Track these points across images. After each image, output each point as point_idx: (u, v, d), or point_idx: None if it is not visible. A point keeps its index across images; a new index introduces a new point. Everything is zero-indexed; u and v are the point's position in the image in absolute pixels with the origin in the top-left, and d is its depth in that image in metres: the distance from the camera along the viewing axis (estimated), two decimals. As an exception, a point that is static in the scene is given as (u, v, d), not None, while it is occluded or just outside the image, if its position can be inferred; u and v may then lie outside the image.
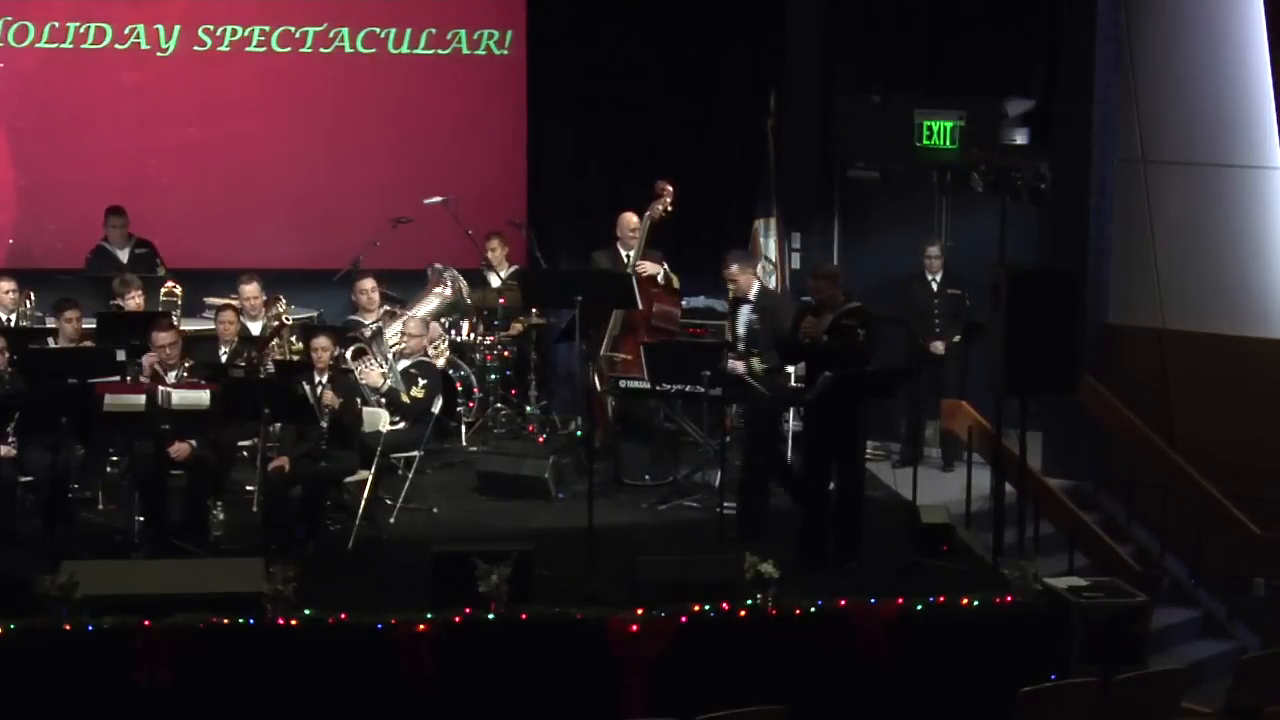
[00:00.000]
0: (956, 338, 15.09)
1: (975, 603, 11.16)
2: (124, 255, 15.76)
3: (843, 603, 11.01)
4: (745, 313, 13.37)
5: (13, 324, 14.34)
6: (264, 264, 15.49)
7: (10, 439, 12.31)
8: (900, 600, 11.06)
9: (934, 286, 15.22)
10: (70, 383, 12.32)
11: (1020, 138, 15.20)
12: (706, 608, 10.82)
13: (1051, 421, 14.97)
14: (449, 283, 15.58)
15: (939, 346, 15.08)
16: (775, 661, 10.80)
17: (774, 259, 16.37)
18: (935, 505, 12.90)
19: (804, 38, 16.64)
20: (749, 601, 10.88)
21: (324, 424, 12.54)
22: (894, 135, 15.62)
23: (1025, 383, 12.33)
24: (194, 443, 12.35)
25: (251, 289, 14.82)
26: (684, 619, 10.75)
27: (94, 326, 13.97)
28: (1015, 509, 12.75)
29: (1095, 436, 15.09)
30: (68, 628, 10.21)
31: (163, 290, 14.91)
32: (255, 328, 14.60)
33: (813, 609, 10.94)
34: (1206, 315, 14.73)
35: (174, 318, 14.16)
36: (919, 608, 11.04)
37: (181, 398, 12.21)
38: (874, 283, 14.91)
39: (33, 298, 14.78)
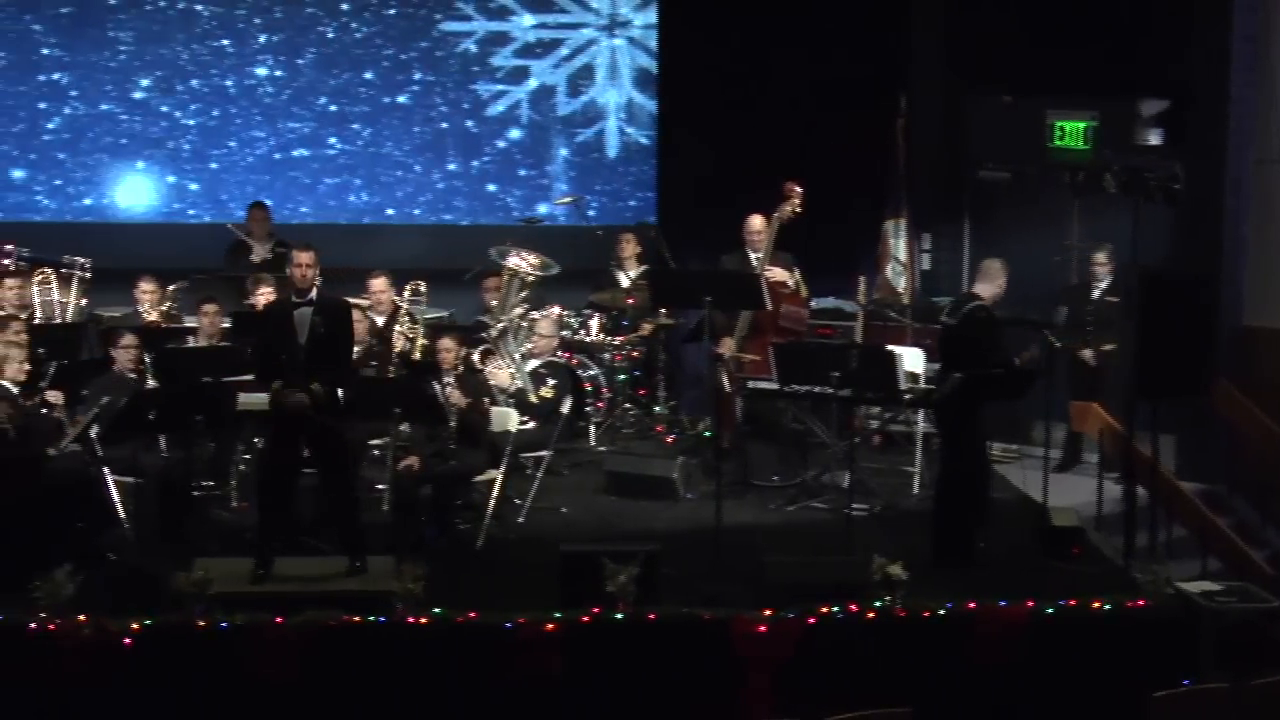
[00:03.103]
0: (1108, 346, 14.74)
1: (1106, 606, 11.05)
2: (263, 252, 15.92)
3: (972, 605, 10.93)
4: None
5: (148, 323, 14.52)
6: (395, 263, 15.59)
7: (147, 438, 12.48)
8: (1030, 603, 10.97)
9: (1095, 293, 14.93)
10: (204, 381, 12.45)
11: (1154, 138, 15.05)
12: (834, 609, 10.78)
13: (1184, 424, 14.80)
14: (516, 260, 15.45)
15: (1088, 355, 14.85)
16: (902, 663, 10.74)
17: (904, 260, 16.32)
18: (1065, 508, 12.80)
19: (931, 37, 16.56)
20: (877, 603, 10.83)
21: (452, 424, 12.61)
22: (1025, 136, 15.51)
23: (1158, 385, 12.21)
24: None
25: (379, 283, 14.89)
26: (811, 620, 10.71)
27: (229, 325, 14.12)
28: (1147, 512, 12.63)
29: (1229, 439, 14.90)
30: (201, 624, 10.30)
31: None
32: (383, 323, 14.69)
33: (941, 611, 10.86)
34: (1343, 317, 14.54)
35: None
36: (1049, 610, 10.94)
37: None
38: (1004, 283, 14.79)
39: (170, 292, 14.96)
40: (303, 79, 18.20)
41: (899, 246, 16.37)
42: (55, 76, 17.96)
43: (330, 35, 18.21)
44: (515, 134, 18.47)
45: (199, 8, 18.05)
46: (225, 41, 18.13)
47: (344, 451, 11.68)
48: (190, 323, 14.46)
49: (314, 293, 11.47)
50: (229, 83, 18.14)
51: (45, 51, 17.92)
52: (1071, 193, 15.46)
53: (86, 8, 17.92)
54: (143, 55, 18.00)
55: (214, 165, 18.20)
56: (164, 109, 18.09)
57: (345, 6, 18.18)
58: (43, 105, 17.97)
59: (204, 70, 18.09)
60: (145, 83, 18.03)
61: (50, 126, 18.00)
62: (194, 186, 18.22)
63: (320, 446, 11.44)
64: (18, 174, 18.00)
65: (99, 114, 18.02)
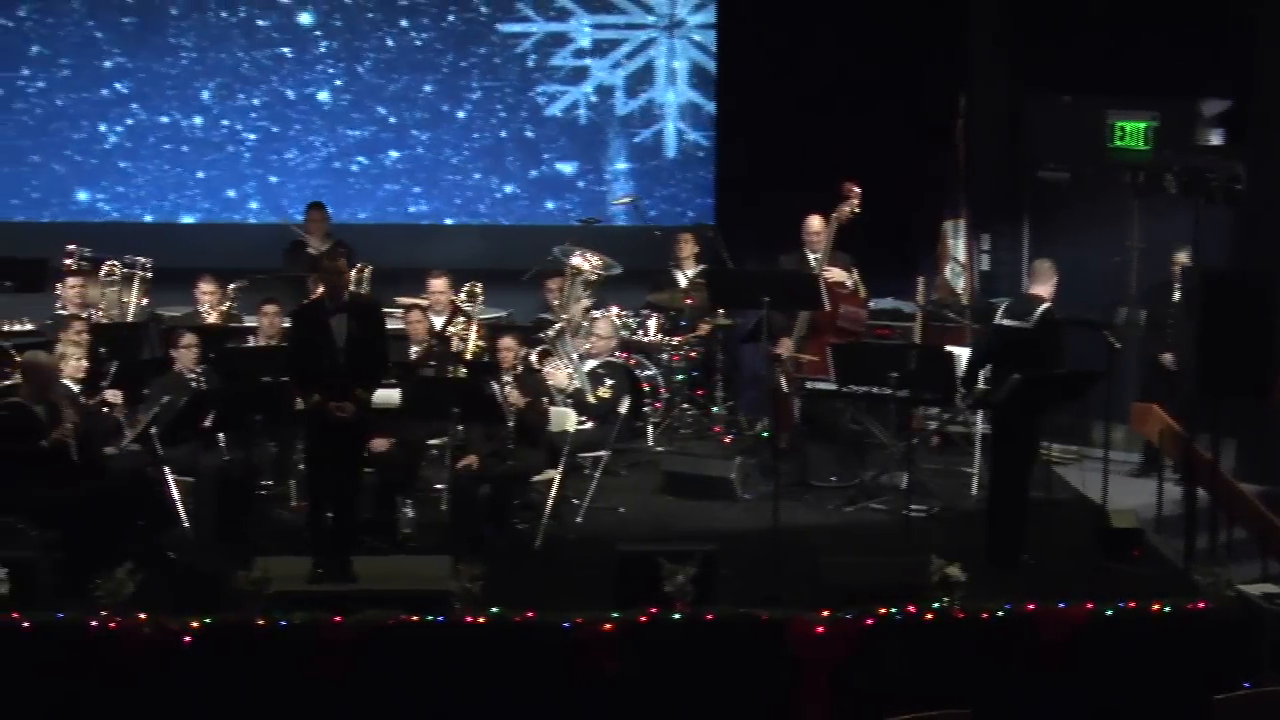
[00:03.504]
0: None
1: (1166, 608, 10.98)
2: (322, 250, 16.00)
3: (1031, 606, 10.87)
4: None
5: (208, 323, 14.60)
6: (453, 264, 15.62)
7: (209, 437, 12.55)
8: (1090, 605, 10.91)
9: (1175, 295, 14.71)
10: (264, 381, 12.49)
11: (1215, 138, 14.97)
12: (892, 610, 10.74)
13: (1245, 425, 14.70)
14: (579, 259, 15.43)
15: (1168, 359, 14.66)
16: (960, 665, 10.71)
17: (963, 261, 16.28)
18: (1125, 509, 12.74)
19: (991, 38, 16.52)
20: (935, 604, 10.79)
21: (510, 424, 12.64)
22: (1085, 136, 15.46)
23: (1219, 386, 12.15)
24: (392, 439, 12.52)
25: (439, 283, 14.95)
26: (869, 621, 10.68)
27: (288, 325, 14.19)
28: (1207, 514, 12.56)
29: (1291, 441, 14.80)
30: (260, 623, 10.34)
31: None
32: (441, 324, 14.73)
33: (1000, 612, 10.82)
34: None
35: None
36: (1109, 612, 10.87)
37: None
38: (1063, 284, 14.71)
39: (229, 291, 15.04)
40: (361, 85, 18.29)
41: (958, 247, 16.34)
42: (117, 85, 18.10)
43: (390, 42, 18.27)
44: (573, 135, 18.50)
45: (260, 22, 18.15)
46: (285, 50, 18.25)
47: (360, 451, 11.71)
48: (250, 322, 14.53)
49: (345, 296, 11.48)
50: (289, 90, 18.24)
51: (108, 64, 18.09)
52: (1132, 193, 15.43)
53: (149, 16, 18.03)
54: (204, 61, 18.15)
55: (273, 172, 18.30)
56: (224, 115, 18.23)
57: (404, 15, 18.24)
58: (106, 111, 18.09)
59: (264, 76, 18.21)
60: (206, 91, 18.19)
61: (118, 129, 18.14)
62: (254, 201, 18.32)
63: (341, 444, 11.44)
64: (81, 176, 18.13)
65: (160, 120, 18.14)
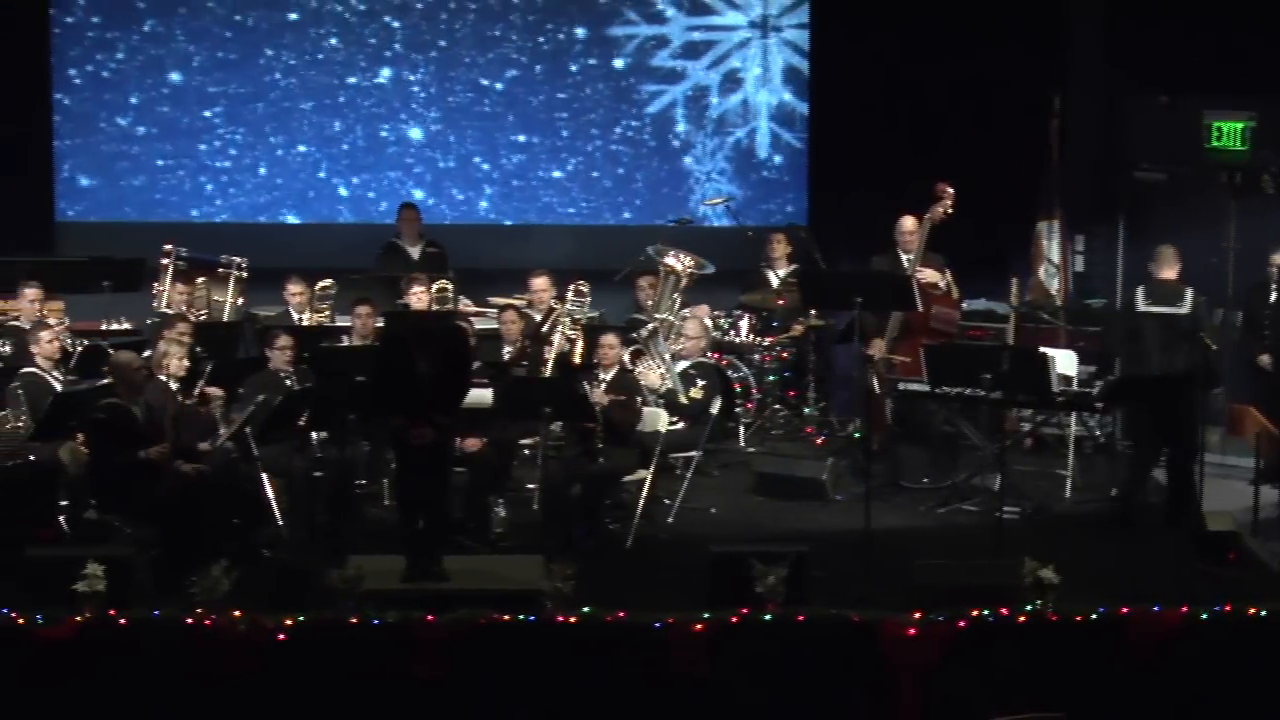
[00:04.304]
0: None
1: (1262, 613, 10.89)
2: (415, 253, 16.06)
3: (1125, 610, 10.80)
4: None
5: (303, 323, 14.70)
6: (544, 264, 15.64)
7: (303, 436, 12.63)
8: (1184, 608, 10.83)
9: (1272, 296, 14.58)
10: (358, 380, 12.56)
11: (1315, 139, 14.85)
12: (984, 612, 10.69)
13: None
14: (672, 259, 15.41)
15: (1265, 360, 14.46)
16: (1054, 668, 10.65)
17: (1057, 262, 16.20)
18: (1221, 512, 12.64)
19: (1087, 38, 16.43)
20: (1028, 607, 10.74)
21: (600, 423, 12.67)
22: (1182, 136, 15.35)
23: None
24: (484, 439, 12.57)
25: (541, 282, 14.98)
26: (961, 624, 10.63)
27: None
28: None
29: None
30: (353, 621, 10.40)
31: (435, 287, 15.16)
32: (543, 323, 14.74)
33: (1094, 615, 10.75)
34: None
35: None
36: (1204, 616, 10.80)
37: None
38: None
39: (317, 291, 15.13)
40: (458, 86, 18.35)
41: (1052, 248, 16.25)
42: (218, 92, 18.32)
43: (487, 42, 18.35)
44: (667, 136, 18.51)
45: (352, 19, 18.28)
46: (387, 53, 18.34)
47: (448, 458, 11.73)
48: (343, 322, 14.61)
49: (429, 322, 11.51)
50: (383, 89, 18.33)
51: (214, 76, 18.24)
52: (1229, 194, 15.29)
53: (250, 32, 18.22)
54: (300, 60, 18.25)
55: (367, 172, 18.42)
56: (320, 116, 18.33)
57: (503, 14, 18.35)
58: (206, 115, 18.26)
59: (360, 75, 18.30)
60: (303, 93, 18.29)
61: (221, 133, 18.31)
62: (343, 192, 18.45)
63: (428, 453, 11.46)
64: (181, 178, 18.32)
65: (258, 123, 18.29)
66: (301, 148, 18.37)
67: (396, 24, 18.33)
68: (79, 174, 18.22)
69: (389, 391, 11.46)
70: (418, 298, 14.59)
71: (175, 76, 18.18)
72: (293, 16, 18.24)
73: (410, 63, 18.37)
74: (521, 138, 18.47)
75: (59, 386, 12.90)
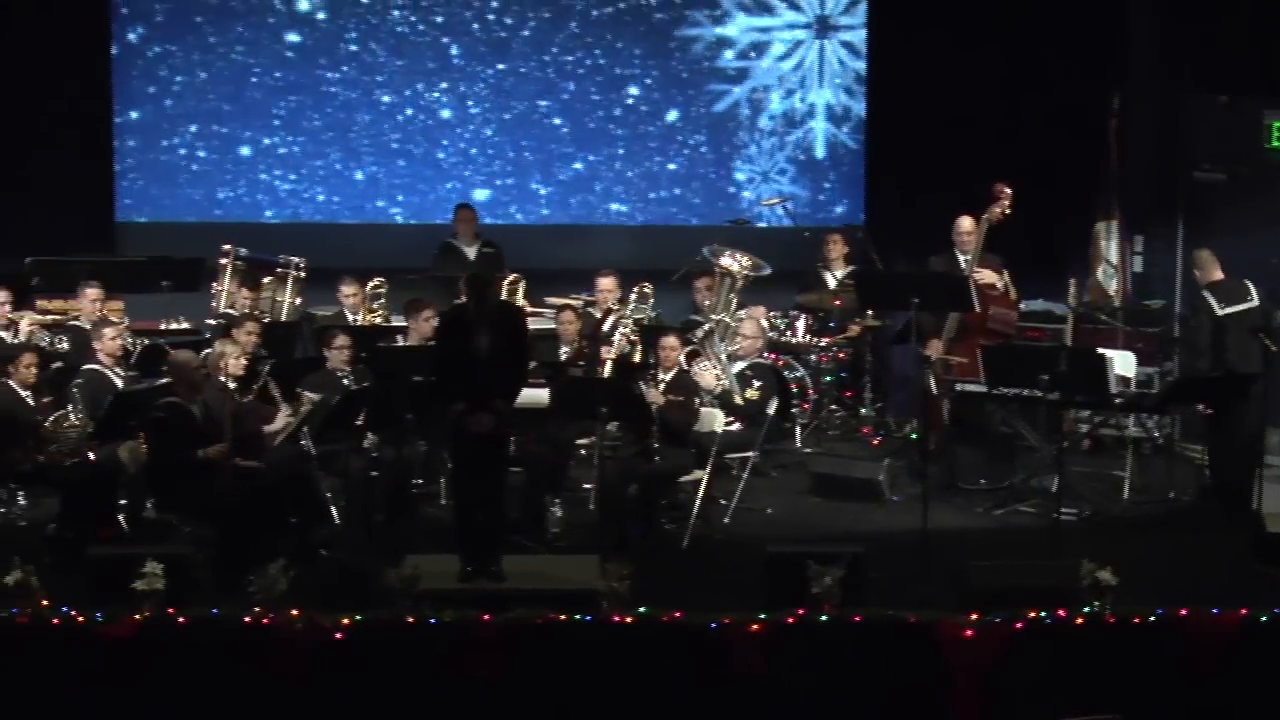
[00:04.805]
0: None
1: (1323, 617, 10.84)
2: (471, 253, 16.09)
3: (1183, 612, 10.76)
4: None
5: (358, 323, 14.75)
6: (602, 264, 15.66)
7: (360, 436, 12.68)
8: (1244, 610, 10.78)
9: None
10: (415, 380, 12.60)
11: (1376, 138, 14.76)
12: (1041, 614, 10.66)
13: None
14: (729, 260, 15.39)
15: None
16: (1111, 670, 10.61)
17: (1116, 262, 16.13)
18: (1280, 514, 12.59)
19: (1146, 37, 16.36)
20: (1085, 608, 10.70)
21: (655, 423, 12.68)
22: (1242, 136, 15.28)
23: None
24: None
25: (608, 282, 15.00)
26: (1018, 625, 10.60)
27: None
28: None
29: None
30: (410, 621, 10.43)
31: (508, 279, 15.13)
32: (606, 322, 14.73)
33: (1152, 617, 10.71)
34: None
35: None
36: (1263, 619, 10.74)
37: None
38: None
39: (369, 290, 15.18)
40: (518, 88, 18.40)
41: (1111, 248, 16.19)
42: (277, 96, 18.42)
43: (546, 46, 18.40)
44: (724, 135, 18.52)
45: (417, 23, 18.35)
46: (454, 50, 18.39)
47: (504, 455, 11.72)
48: (398, 322, 14.65)
49: (491, 307, 11.50)
50: (442, 93, 18.39)
51: (274, 80, 18.35)
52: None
53: (311, 36, 18.32)
54: (358, 64, 18.34)
55: (425, 171, 18.48)
56: (377, 119, 18.40)
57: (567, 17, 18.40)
58: (264, 119, 18.37)
59: (419, 79, 18.37)
60: (361, 96, 18.39)
61: (281, 136, 18.40)
62: (400, 196, 18.52)
63: (485, 449, 11.46)
64: (238, 177, 18.43)
65: (315, 128, 18.37)
66: (359, 147, 18.42)
67: (457, 29, 18.37)
68: (138, 175, 18.31)
69: (449, 376, 11.46)
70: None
71: (234, 86, 18.26)
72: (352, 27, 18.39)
73: (469, 66, 18.40)
74: (577, 138, 18.48)
75: (120, 384, 13.00)
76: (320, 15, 18.29)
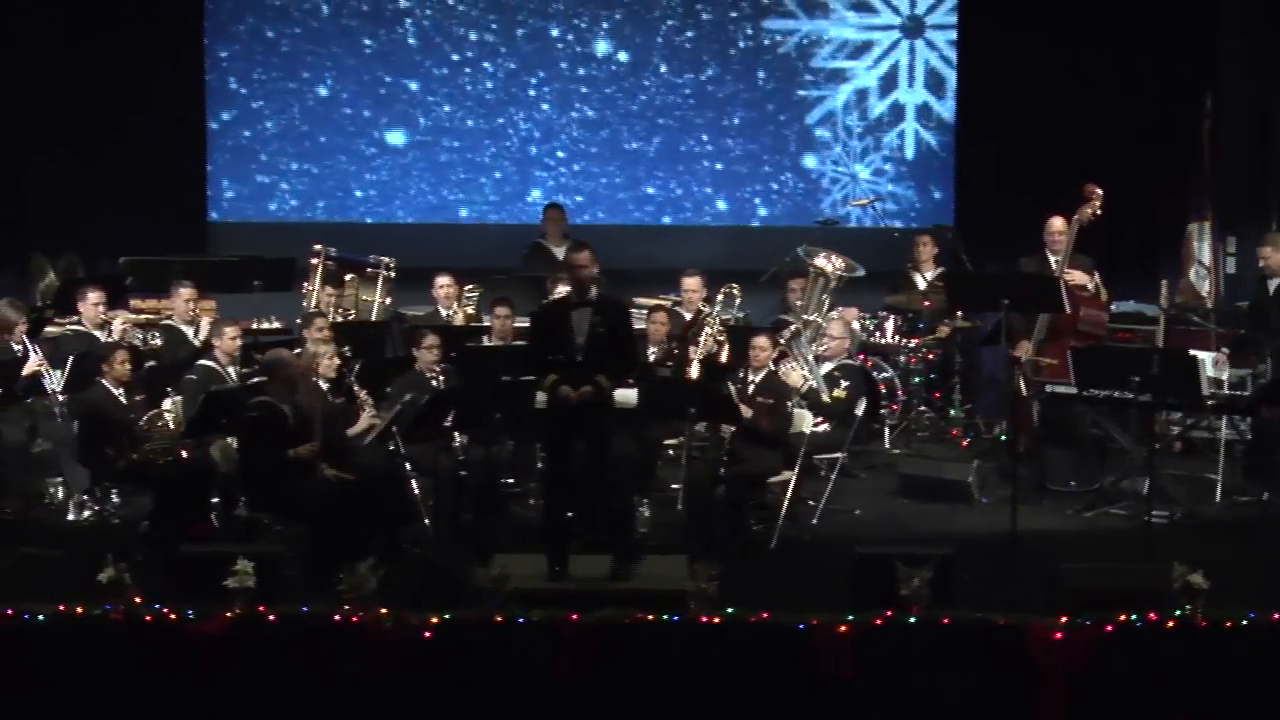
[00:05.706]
0: None
1: None
2: (560, 253, 16.11)
3: (1276, 616, 10.65)
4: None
5: (451, 319, 14.80)
6: (690, 265, 15.66)
7: (449, 435, 12.73)
8: (1339, 614, 10.68)
9: None
10: (504, 379, 12.63)
11: None
12: (1132, 617, 10.59)
13: None
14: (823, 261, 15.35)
15: None
16: (1202, 674, 10.52)
17: (1208, 264, 16.01)
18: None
19: (1239, 38, 16.25)
20: (1177, 612, 10.61)
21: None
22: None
23: None
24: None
25: (693, 282, 15.00)
26: (1108, 628, 10.53)
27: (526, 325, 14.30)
28: None
29: None
30: (499, 619, 10.46)
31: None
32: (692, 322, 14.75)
33: (1244, 621, 10.61)
34: None
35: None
36: (1358, 624, 10.65)
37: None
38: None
39: (464, 290, 15.24)
40: (608, 90, 18.44)
41: (1203, 249, 16.07)
42: (368, 100, 18.55)
43: (638, 48, 18.42)
44: (815, 136, 18.50)
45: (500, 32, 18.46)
46: (537, 61, 18.50)
47: (605, 449, 11.58)
48: (485, 322, 14.69)
49: (593, 292, 11.44)
50: (534, 94, 18.44)
51: (368, 77, 18.48)
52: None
53: (399, 36, 18.45)
54: (449, 65, 18.41)
55: (515, 171, 18.55)
56: (467, 119, 18.49)
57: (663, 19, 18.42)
58: (355, 121, 18.51)
59: (511, 83, 18.43)
60: (451, 96, 18.45)
61: (372, 136, 18.53)
62: (492, 196, 18.58)
63: (583, 436, 11.43)
64: (325, 182, 18.54)
65: (409, 128, 18.47)
66: (450, 148, 18.50)
67: (551, 31, 18.44)
68: (230, 176, 18.45)
69: (545, 361, 11.39)
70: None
71: (322, 89, 18.40)
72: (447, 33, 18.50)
73: (560, 69, 18.46)
74: (667, 138, 18.50)
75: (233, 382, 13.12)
76: (412, 15, 18.39)
